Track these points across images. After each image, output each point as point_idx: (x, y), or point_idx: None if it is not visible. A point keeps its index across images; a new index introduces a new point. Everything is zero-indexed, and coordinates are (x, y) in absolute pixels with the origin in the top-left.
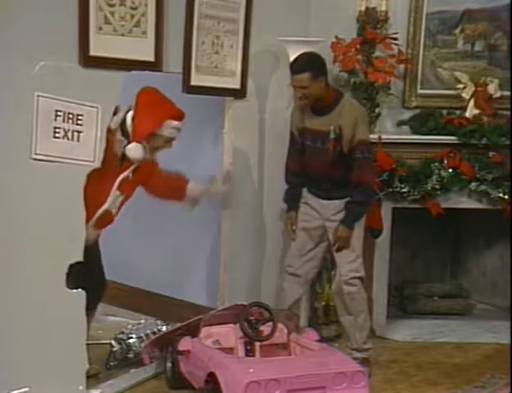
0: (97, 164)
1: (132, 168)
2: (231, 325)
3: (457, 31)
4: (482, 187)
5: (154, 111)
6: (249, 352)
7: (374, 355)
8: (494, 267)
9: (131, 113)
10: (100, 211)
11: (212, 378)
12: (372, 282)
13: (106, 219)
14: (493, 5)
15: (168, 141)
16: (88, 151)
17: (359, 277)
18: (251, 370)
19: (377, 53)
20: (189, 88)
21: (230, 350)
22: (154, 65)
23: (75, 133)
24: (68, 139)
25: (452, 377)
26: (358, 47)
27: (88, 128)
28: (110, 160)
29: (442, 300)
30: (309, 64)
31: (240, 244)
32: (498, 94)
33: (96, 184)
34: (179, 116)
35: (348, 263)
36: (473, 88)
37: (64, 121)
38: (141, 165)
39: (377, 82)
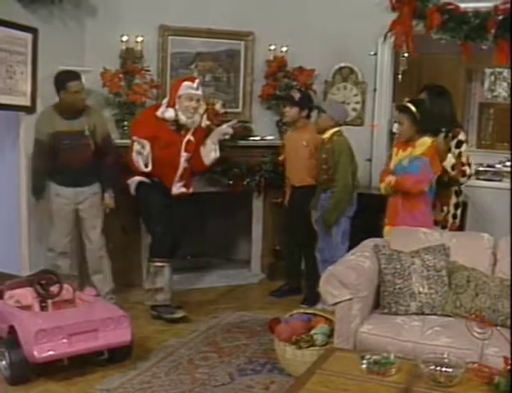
0: None
1: (190, 132)
2: (29, 288)
3: (193, 67)
4: (215, 176)
5: (175, 84)
6: (44, 308)
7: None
8: (225, 232)
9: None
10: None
11: (12, 329)
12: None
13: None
14: (216, 50)
15: (189, 99)
16: None
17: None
18: (39, 321)
19: (136, 81)
20: None
21: (28, 308)
22: None
23: None
24: None
25: (195, 313)
26: (121, 76)
27: None
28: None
29: (192, 259)
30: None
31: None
32: (222, 111)
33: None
34: (190, 79)
35: (100, 233)
36: (205, 107)
37: None
38: (196, 130)
39: (136, 101)
